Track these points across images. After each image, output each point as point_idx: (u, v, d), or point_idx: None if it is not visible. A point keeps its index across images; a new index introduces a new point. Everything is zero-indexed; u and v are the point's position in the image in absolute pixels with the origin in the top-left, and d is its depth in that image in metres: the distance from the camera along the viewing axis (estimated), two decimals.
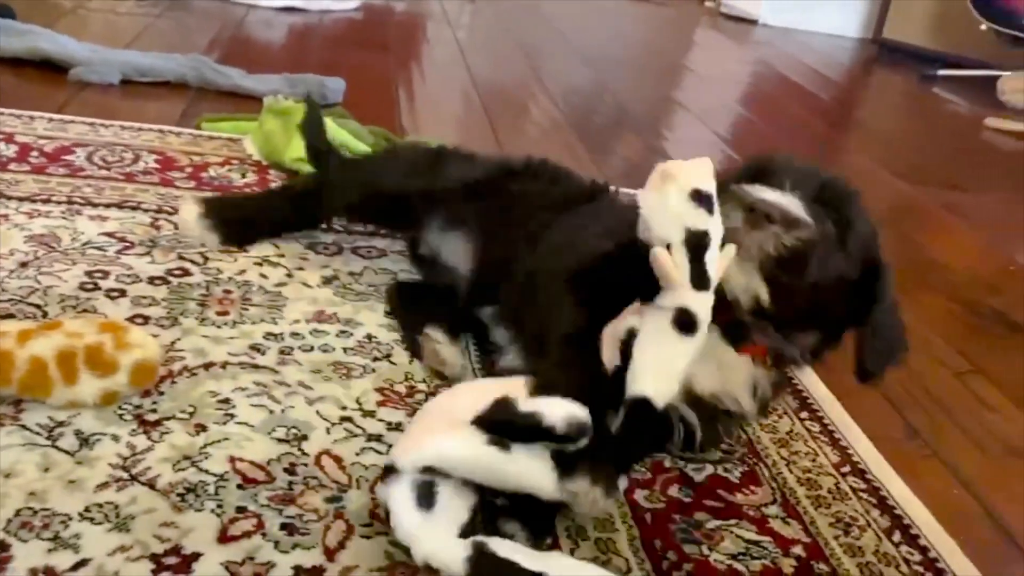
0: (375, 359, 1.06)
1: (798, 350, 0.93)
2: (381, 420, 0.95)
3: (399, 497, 0.74)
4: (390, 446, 0.91)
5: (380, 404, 0.98)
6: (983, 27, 3.14)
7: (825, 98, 2.92)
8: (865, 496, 0.97)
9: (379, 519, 0.82)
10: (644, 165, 1.90)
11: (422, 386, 1.02)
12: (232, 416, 0.92)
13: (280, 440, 0.90)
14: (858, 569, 0.87)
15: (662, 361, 0.81)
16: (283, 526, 0.79)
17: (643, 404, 0.80)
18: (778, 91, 2.91)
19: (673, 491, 0.93)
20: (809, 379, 1.16)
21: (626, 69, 2.95)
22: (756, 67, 3.27)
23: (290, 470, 0.86)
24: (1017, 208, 2.15)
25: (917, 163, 2.36)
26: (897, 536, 0.92)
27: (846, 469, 1.01)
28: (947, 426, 1.15)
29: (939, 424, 1.15)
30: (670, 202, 0.79)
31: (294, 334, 1.08)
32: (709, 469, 0.97)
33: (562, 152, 1.94)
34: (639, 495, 0.91)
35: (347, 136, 1.54)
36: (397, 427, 0.94)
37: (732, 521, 0.90)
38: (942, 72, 3.31)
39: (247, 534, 0.78)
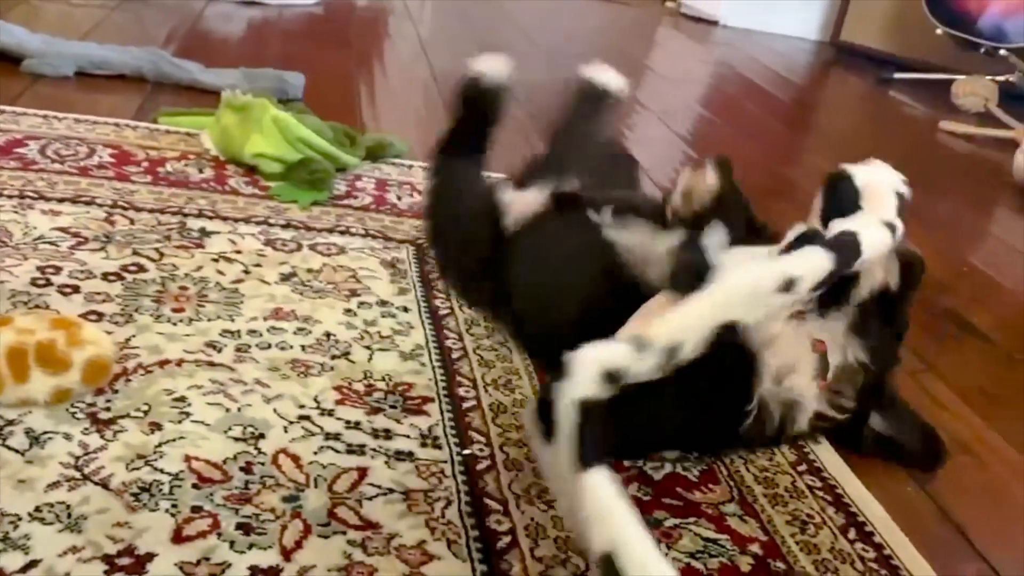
0: (333, 357, 1.05)
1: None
2: (339, 419, 0.94)
3: (618, 350, 0.77)
4: (348, 445, 0.90)
5: (338, 403, 0.97)
6: (938, 31, 3.19)
7: (784, 99, 2.95)
8: (821, 494, 0.98)
9: (336, 518, 0.81)
10: None
11: (380, 384, 1.01)
12: (187, 414, 0.91)
13: (236, 439, 0.89)
14: (814, 566, 0.87)
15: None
16: (239, 526, 0.78)
17: (850, 235, 0.83)
18: (738, 92, 2.93)
19: (632, 489, 0.93)
20: None
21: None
22: (716, 68, 3.30)
23: (246, 469, 0.85)
24: (969, 210, 2.18)
25: None
26: (852, 533, 0.93)
27: (802, 467, 1.02)
28: None
29: None
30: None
31: (251, 331, 1.07)
32: (668, 468, 0.97)
33: (523, 148, 1.93)
34: None
35: (307, 132, 1.52)
36: (356, 426, 0.94)
37: (690, 519, 0.90)
38: (898, 75, 3.35)
39: (202, 534, 0.77)
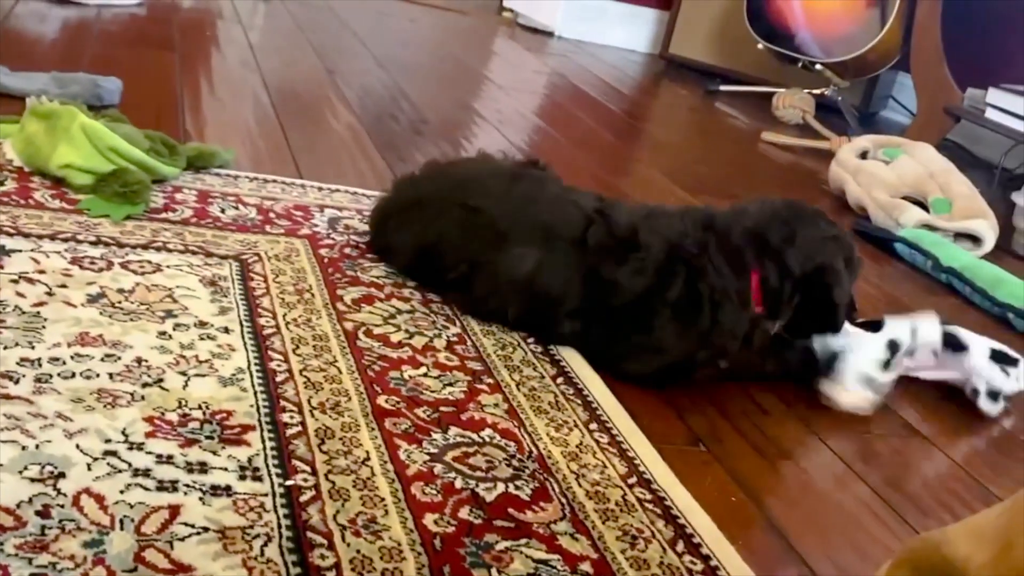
0: (144, 385, 0.98)
1: None
2: (150, 453, 0.88)
3: None
4: (159, 481, 0.85)
5: (149, 435, 0.90)
6: (760, 46, 3.33)
7: (615, 110, 3.01)
8: (651, 507, 0.99)
9: (144, 563, 0.75)
10: None
11: (196, 413, 0.95)
12: None
13: (33, 479, 0.82)
14: None
15: None
16: None
17: None
18: (572, 103, 2.97)
19: (464, 513, 0.91)
20: (597, 390, 1.18)
21: (425, 76, 2.93)
22: (552, 78, 3.33)
23: (43, 513, 0.78)
24: None
25: (699, 174, 2.46)
26: (681, 546, 0.94)
27: (633, 480, 1.02)
28: (727, 431, 1.20)
29: (719, 429, 1.19)
30: None
31: (53, 359, 0.99)
32: (500, 488, 0.96)
33: (358, 158, 1.89)
34: (428, 519, 0.88)
35: (119, 141, 1.44)
36: (168, 460, 0.88)
37: (522, 541, 0.89)
38: (724, 87, 3.48)
39: None
